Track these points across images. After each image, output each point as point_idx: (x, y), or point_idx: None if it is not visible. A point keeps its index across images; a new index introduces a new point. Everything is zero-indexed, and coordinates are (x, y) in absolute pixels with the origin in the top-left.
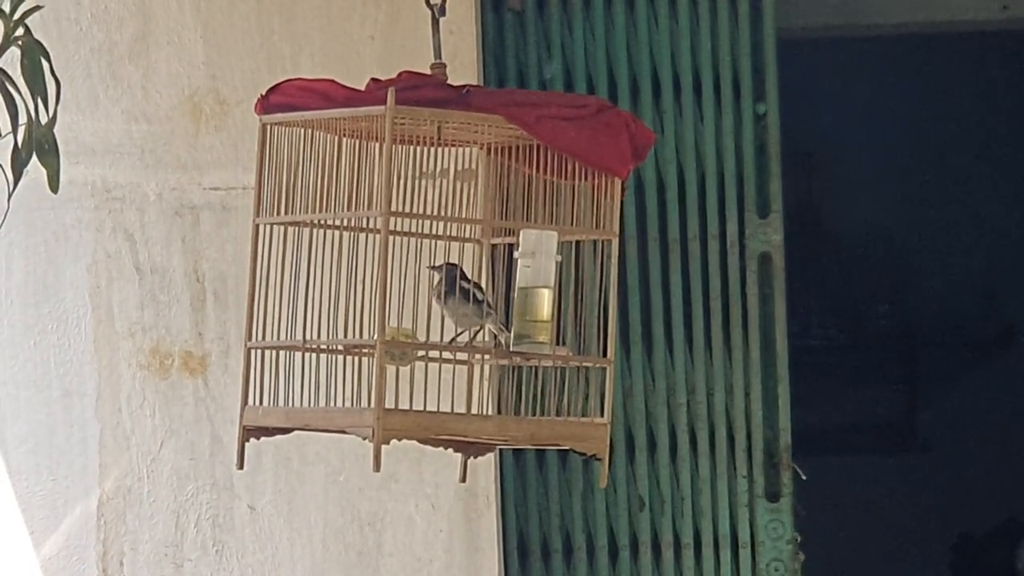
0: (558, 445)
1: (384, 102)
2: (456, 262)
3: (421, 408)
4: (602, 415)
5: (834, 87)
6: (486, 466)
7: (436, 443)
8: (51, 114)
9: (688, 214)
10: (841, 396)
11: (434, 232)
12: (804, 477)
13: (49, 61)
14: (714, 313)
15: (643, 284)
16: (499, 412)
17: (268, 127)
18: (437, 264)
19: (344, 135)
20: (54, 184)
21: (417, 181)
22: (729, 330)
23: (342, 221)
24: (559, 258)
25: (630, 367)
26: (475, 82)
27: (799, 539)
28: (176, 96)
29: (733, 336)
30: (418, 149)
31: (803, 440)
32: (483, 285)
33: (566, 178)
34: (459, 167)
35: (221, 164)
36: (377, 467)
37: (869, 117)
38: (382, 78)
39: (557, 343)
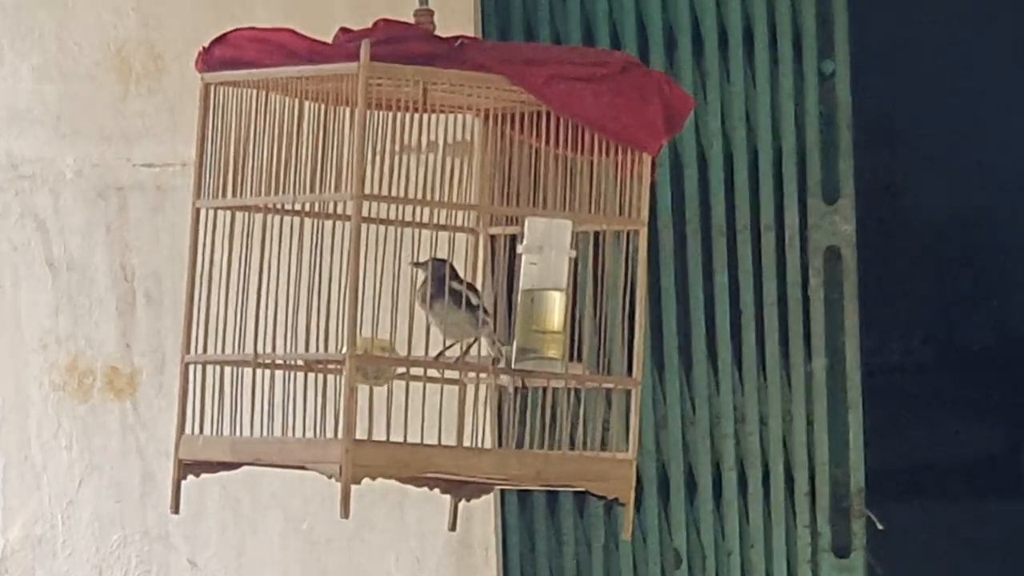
0: (572, 486)
1: (356, 57)
2: (445, 257)
3: (401, 439)
4: (627, 449)
5: (920, 42)
6: (484, 512)
7: (420, 483)
8: None
9: (737, 199)
10: (928, 426)
11: (418, 220)
12: (881, 527)
13: None
14: (769, 323)
15: (680, 286)
16: (499, 444)
17: (212, 88)
18: (422, 260)
19: (307, 98)
20: None
21: (397, 156)
22: (788, 344)
23: (303, 206)
24: (573, 253)
25: (664, 390)
26: (471, 34)
27: None
28: (100, 50)
29: (792, 351)
30: (399, 116)
31: (880, 481)
32: (479, 286)
33: (583, 153)
34: (450, 139)
35: (155, 135)
36: (346, 512)
37: (964, 79)
38: (354, 28)
39: (571, 359)
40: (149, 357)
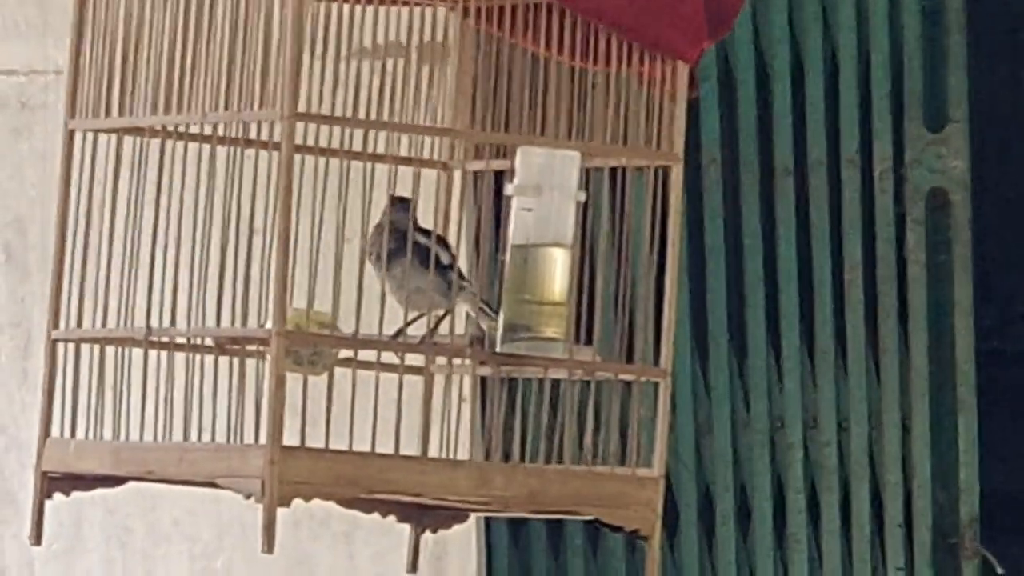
0: (577, 513)
1: None
2: (408, 197)
3: (345, 447)
4: (651, 463)
5: None
6: (462, 547)
7: (370, 507)
8: None
9: (809, 125)
10: None
11: (372, 150)
12: (1001, 571)
13: None
14: (851, 294)
15: (731, 243)
16: (479, 455)
17: None
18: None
19: None
20: None
21: (345, 63)
22: (876, 324)
23: (214, 128)
24: (583, 196)
25: (707, 383)
26: None
27: None
28: None
29: (882, 333)
30: (347, 8)
31: (1000, 509)
32: (452, 241)
33: (597, 63)
34: (418, 41)
35: (19, 32)
36: (269, 545)
37: None
38: None
39: (577, 340)
40: (9, 334)
